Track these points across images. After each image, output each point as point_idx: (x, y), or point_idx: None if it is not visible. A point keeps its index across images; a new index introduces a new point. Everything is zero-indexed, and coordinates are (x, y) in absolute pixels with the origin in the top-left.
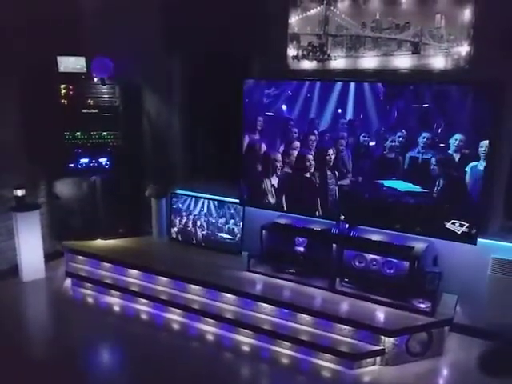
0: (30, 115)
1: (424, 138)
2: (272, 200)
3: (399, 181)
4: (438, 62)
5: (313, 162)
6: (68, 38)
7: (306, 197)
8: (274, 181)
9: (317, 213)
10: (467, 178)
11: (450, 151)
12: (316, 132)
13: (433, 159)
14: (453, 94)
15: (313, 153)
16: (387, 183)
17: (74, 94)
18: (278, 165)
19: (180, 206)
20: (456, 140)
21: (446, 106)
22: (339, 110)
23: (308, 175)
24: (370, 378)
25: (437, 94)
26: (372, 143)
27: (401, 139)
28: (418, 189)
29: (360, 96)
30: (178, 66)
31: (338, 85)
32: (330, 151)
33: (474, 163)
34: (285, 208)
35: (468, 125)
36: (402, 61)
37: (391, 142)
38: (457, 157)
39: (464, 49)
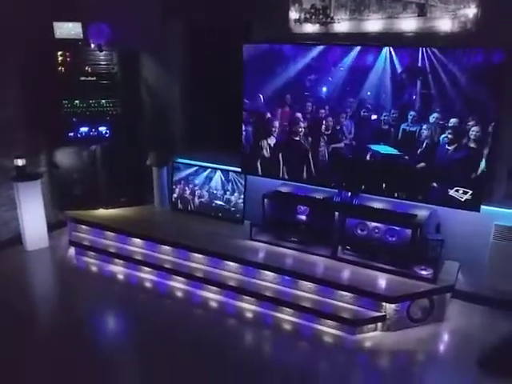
0: (28, 84)
1: (411, 115)
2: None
3: (385, 146)
4: (444, 24)
5: (303, 128)
6: (64, 3)
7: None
8: (272, 141)
9: (312, 172)
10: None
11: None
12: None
13: (420, 130)
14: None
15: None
16: (374, 147)
17: (71, 61)
18: (277, 129)
19: (182, 174)
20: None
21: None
22: (331, 78)
23: (305, 139)
24: (371, 344)
25: (443, 61)
26: (370, 114)
27: (394, 115)
28: (395, 151)
29: (357, 63)
30: (177, 31)
31: (340, 50)
32: (329, 119)
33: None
34: (285, 173)
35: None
36: (408, 23)
37: (385, 116)
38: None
39: (471, 11)
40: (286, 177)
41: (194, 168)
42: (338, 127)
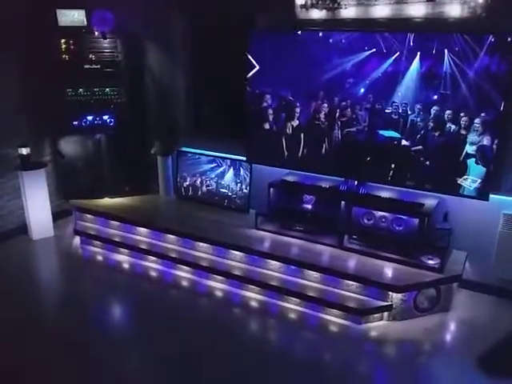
0: (31, 72)
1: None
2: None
3: (391, 131)
4: (453, 9)
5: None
6: None
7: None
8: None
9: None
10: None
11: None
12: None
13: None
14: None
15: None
16: (381, 132)
17: (75, 48)
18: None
19: (188, 164)
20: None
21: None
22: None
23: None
24: (377, 333)
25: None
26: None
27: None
28: (396, 135)
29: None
30: (181, 17)
31: (346, 39)
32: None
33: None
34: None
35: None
36: (416, 9)
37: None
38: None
39: None
40: (305, 152)
41: (199, 157)
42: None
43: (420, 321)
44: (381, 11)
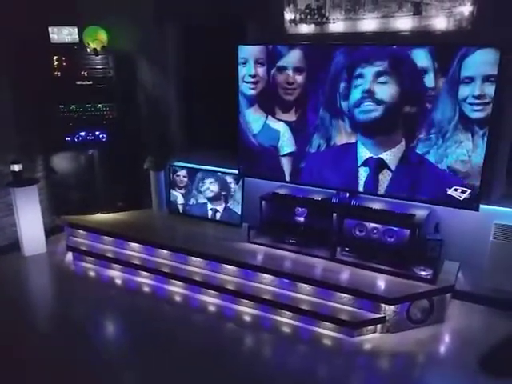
0: (24, 89)
1: None
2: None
3: None
4: (439, 23)
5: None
6: (59, 7)
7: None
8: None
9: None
10: None
11: None
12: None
13: None
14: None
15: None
16: None
17: (67, 65)
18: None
19: (179, 178)
20: None
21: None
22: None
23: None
24: (370, 346)
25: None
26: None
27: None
28: None
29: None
30: (173, 33)
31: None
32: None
33: None
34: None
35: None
36: (403, 22)
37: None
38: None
39: (467, 8)
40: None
41: (191, 171)
42: None
43: (414, 333)
44: (368, 25)
